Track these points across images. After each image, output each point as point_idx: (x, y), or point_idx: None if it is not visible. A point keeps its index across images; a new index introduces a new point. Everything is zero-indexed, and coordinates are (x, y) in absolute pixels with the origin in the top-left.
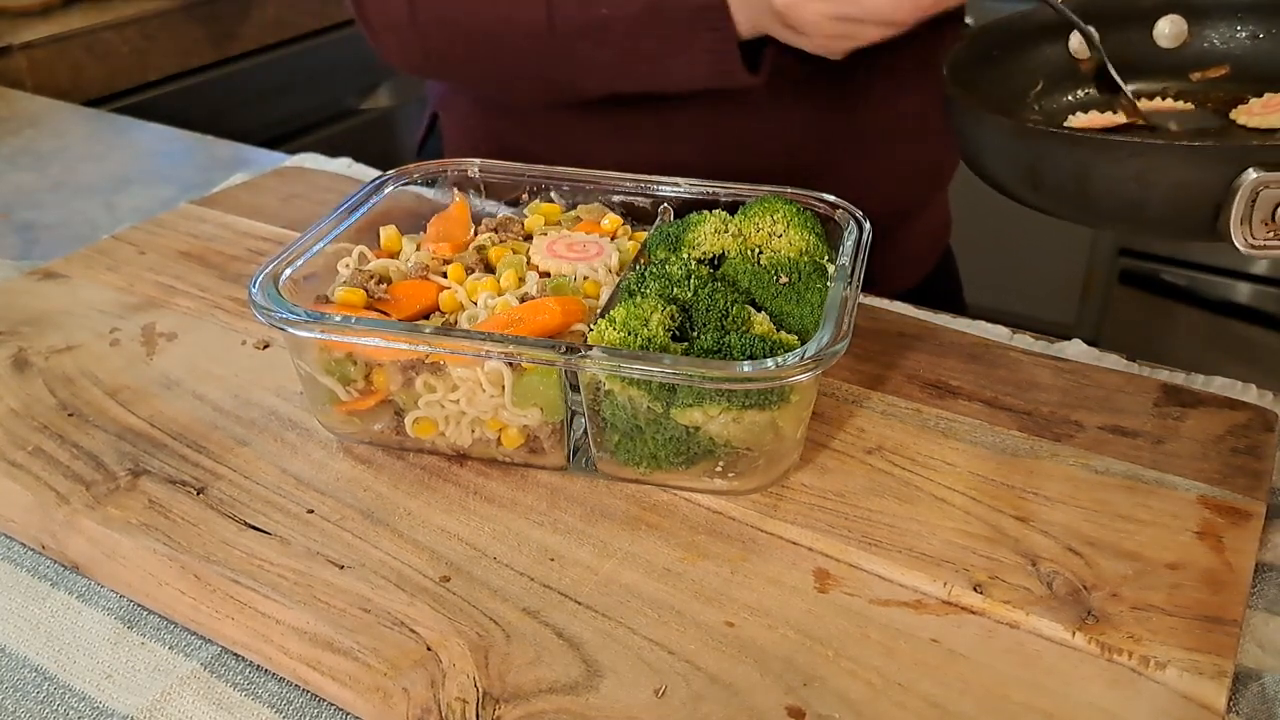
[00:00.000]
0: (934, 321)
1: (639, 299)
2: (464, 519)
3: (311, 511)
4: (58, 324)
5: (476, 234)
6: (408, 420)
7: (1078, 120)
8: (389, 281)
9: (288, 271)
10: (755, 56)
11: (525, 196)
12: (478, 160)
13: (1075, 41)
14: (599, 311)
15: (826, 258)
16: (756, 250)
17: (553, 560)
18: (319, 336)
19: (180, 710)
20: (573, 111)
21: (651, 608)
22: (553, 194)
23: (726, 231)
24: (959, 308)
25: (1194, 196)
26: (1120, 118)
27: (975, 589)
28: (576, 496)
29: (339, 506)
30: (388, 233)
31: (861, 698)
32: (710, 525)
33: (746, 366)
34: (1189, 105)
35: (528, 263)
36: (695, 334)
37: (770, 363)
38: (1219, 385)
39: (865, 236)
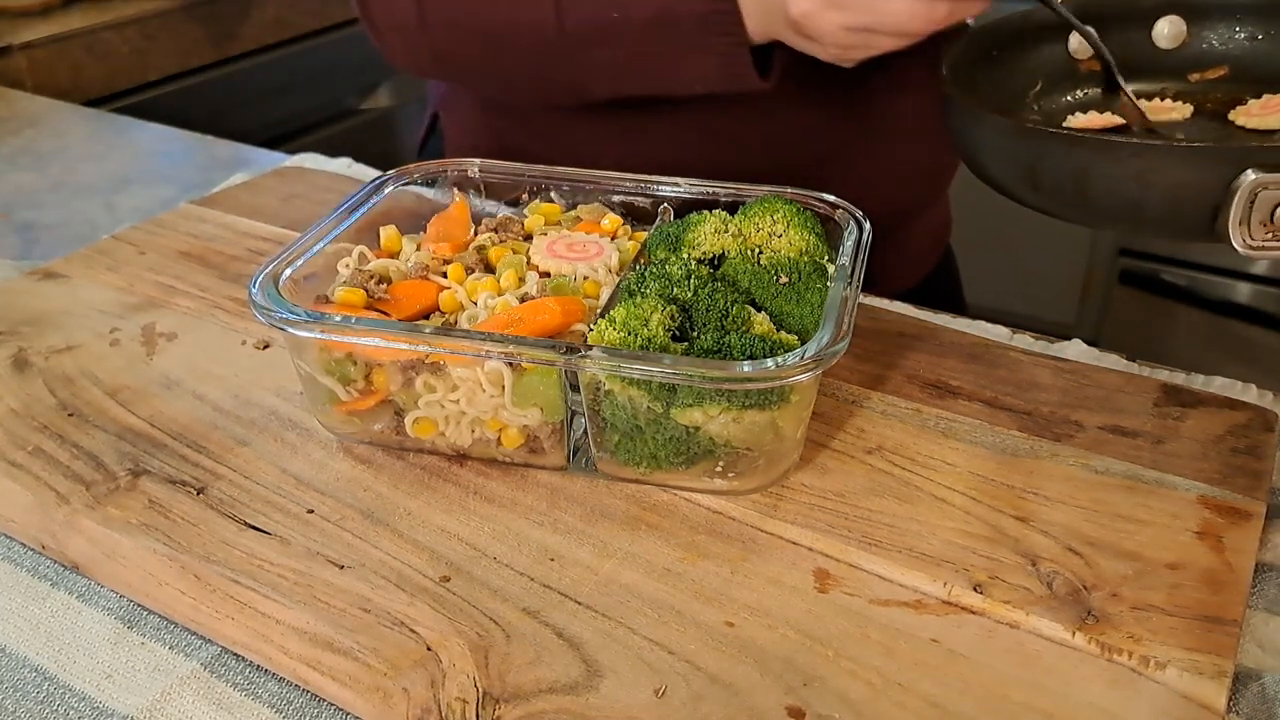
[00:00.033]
0: (934, 321)
1: (639, 299)
2: (464, 519)
3: (311, 511)
4: (58, 324)
5: (476, 234)
6: (408, 420)
7: (1077, 120)
8: (389, 281)
9: (288, 271)
10: (764, 60)
11: (525, 196)
12: (478, 160)
13: (1075, 42)
14: (599, 311)
15: (826, 258)
16: (756, 250)
17: (553, 560)
18: (319, 336)
19: (180, 710)
20: (573, 112)
21: (651, 608)
22: (553, 194)
23: (726, 231)
24: (959, 308)
25: (1192, 197)
26: (1119, 119)
27: (975, 589)
28: (576, 496)
29: (339, 506)
30: (388, 233)
31: (861, 698)
32: (710, 525)
33: (746, 366)
34: (1187, 106)
35: (528, 263)
36: (695, 334)
37: (770, 363)
38: (1219, 385)
39: (865, 236)
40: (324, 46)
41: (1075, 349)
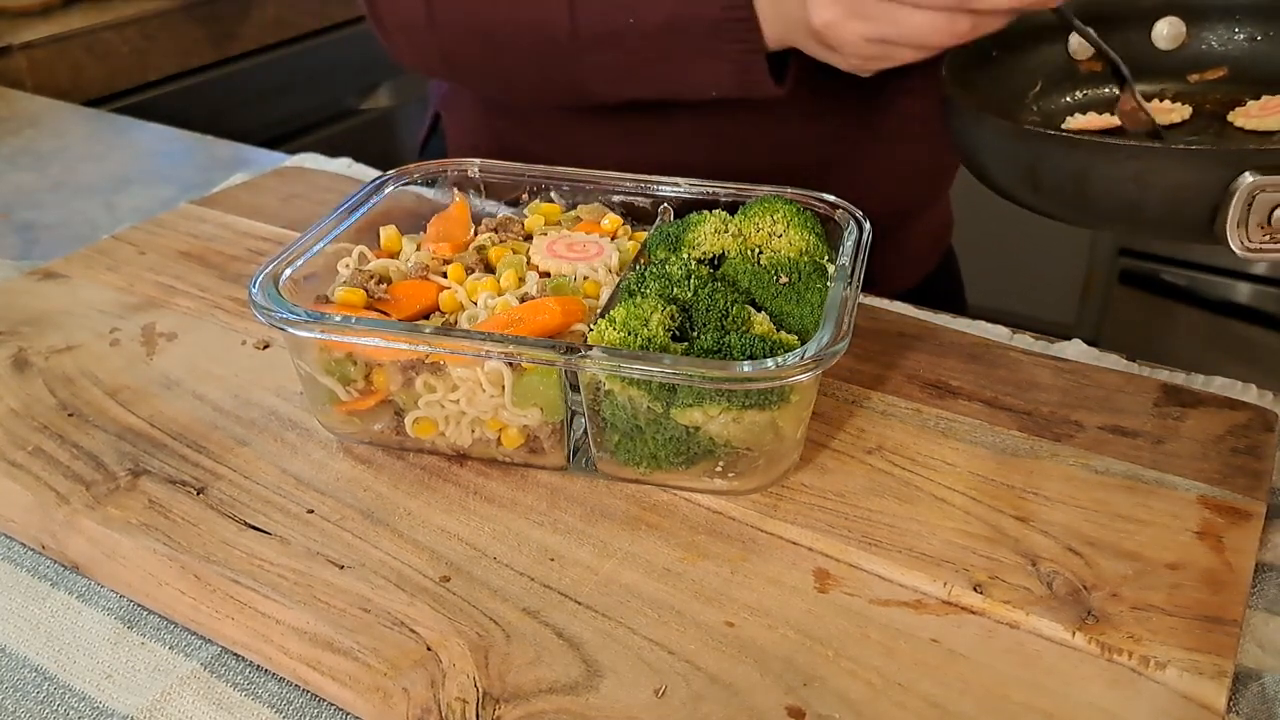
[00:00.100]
0: (934, 321)
1: (639, 299)
2: (464, 519)
3: (311, 511)
4: (58, 324)
5: (476, 234)
6: (408, 420)
7: (1076, 121)
8: (389, 281)
9: (288, 271)
10: (778, 66)
11: (525, 196)
12: (478, 160)
13: (1074, 42)
14: (599, 311)
15: (826, 258)
16: (756, 250)
17: (553, 560)
18: (319, 336)
19: (180, 710)
20: (577, 113)
21: (651, 608)
22: (553, 194)
23: (726, 231)
24: (960, 308)
25: (1191, 199)
26: (1117, 120)
27: (975, 589)
28: (576, 496)
29: (339, 506)
30: (388, 233)
31: (861, 698)
32: (710, 525)
33: (746, 366)
34: (1186, 107)
35: (528, 263)
36: (695, 334)
37: (770, 363)
38: (1219, 385)
39: (865, 236)
40: (324, 46)
41: (1075, 349)
